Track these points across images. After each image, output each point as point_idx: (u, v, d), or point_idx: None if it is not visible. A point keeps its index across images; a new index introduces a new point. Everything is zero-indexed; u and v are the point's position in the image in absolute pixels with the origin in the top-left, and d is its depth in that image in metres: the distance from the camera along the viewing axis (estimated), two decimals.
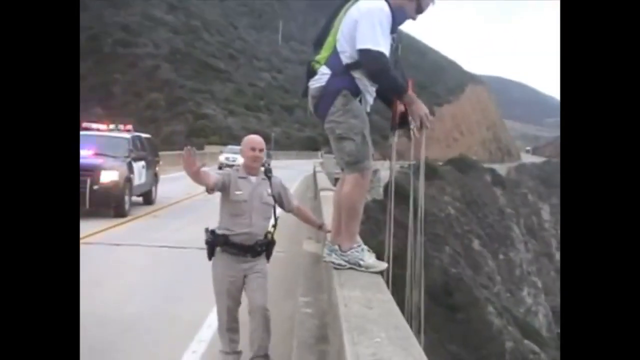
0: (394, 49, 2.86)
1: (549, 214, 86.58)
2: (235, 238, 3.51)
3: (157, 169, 13.88)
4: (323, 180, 12.55)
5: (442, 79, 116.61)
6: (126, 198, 10.97)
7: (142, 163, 12.26)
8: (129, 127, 13.03)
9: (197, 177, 3.33)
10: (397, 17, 2.83)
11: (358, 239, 2.98)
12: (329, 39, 2.91)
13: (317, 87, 2.92)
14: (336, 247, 2.95)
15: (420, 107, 2.88)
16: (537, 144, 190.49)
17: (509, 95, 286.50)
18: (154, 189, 13.42)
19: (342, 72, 2.85)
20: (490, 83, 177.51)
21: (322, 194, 8.04)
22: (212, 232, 3.59)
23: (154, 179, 13.47)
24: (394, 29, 2.83)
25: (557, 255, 74.28)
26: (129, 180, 11.15)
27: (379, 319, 2.04)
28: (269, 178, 3.67)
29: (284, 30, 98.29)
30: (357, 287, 2.47)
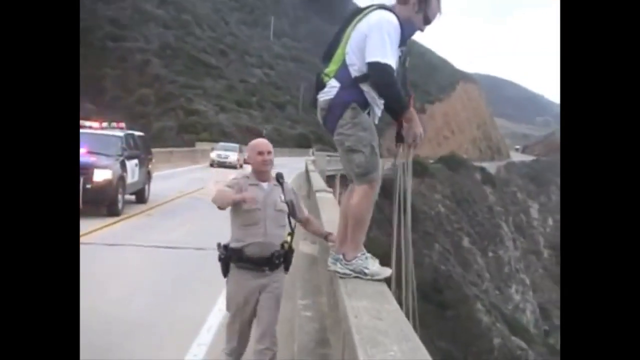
0: (402, 61, 2.90)
1: (537, 212, 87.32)
2: (250, 250, 3.35)
3: (150, 167, 13.83)
4: (317, 180, 12.57)
5: (434, 77, 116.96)
6: (119, 197, 10.92)
7: (135, 161, 12.20)
8: (122, 124, 12.96)
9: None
10: (406, 29, 2.86)
11: (362, 247, 3.00)
12: (338, 52, 2.93)
13: (326, 99, 2.94)
14: (340, 256, 2.97)
15: (417, 126, 2.92)
16: (527, 142, 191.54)
17: (500, 94, 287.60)
18: (146, 187, 13.37)
19: (350, 85, 2.87)
20: (481, 81, 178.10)
21: (318, 195, 8.06)
22: (225, 247, 3.42)
23: (147, 177, 13.43)
24: (402, 42, 2.86)
25: (545, 253, 75.02)
26: (122, 178, 11.10)
27: (389, 330, 2.06)
28: (281, 184, 3.53)
29: (276, 27, 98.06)
30: (365, 297, 2.50)
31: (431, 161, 65.10)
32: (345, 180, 32.71)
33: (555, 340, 53.78)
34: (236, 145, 33.47)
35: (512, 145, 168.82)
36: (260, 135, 47.83)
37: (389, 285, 2.92)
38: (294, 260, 3.61)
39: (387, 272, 2.95)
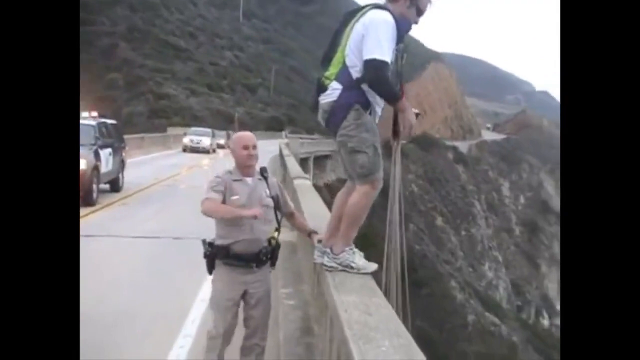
0: (398, 58, 2.94)
1: (508, 190, 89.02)
2: (236, 247, 3.28)
3: (123, 154, 13.67)
4: (294, 165, 12.58)
5: (406, 57, 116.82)
6: (94, 187, 10.81)
7: (109, 150, 12.07)
8: (95, 113, 12.75)
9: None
10: (402, 26, 2.90)
11: (351, 242, 3.05)
12: (337, 55, 2.96)
13: (329, 102, 2.97)
14: (328, 249, 3.02)
15: (410, 117, 2.98)
16: (497, 120, 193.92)
17: (469, 73, 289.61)
18: (120, 175, 13.23)
19: (353, 87, 2.91)
20: (451, 60, 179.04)
21: (295, 182, 8.08)
22: (210, 244, 3.36)
23: (121, 165, 13.29)
24: (400, 39, 2.89)
25: (517, 230, 76.73)
26: (96, 168, 10.99)
27: (379, 326, 2.12)
28: (265, 178, 3.45)
29: (245, 8, 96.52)
30: (353, 292, 2.55)
31: (404, 141, 65.47)
32: (319, 162, 32.75)
33: (527, 315, 55.30)
34: (209, 130, 33.15)
35: (484, 124, 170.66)
36: (232, 119, 47.34)
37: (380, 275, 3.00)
38: None
39: (373, 266, 3.03)
